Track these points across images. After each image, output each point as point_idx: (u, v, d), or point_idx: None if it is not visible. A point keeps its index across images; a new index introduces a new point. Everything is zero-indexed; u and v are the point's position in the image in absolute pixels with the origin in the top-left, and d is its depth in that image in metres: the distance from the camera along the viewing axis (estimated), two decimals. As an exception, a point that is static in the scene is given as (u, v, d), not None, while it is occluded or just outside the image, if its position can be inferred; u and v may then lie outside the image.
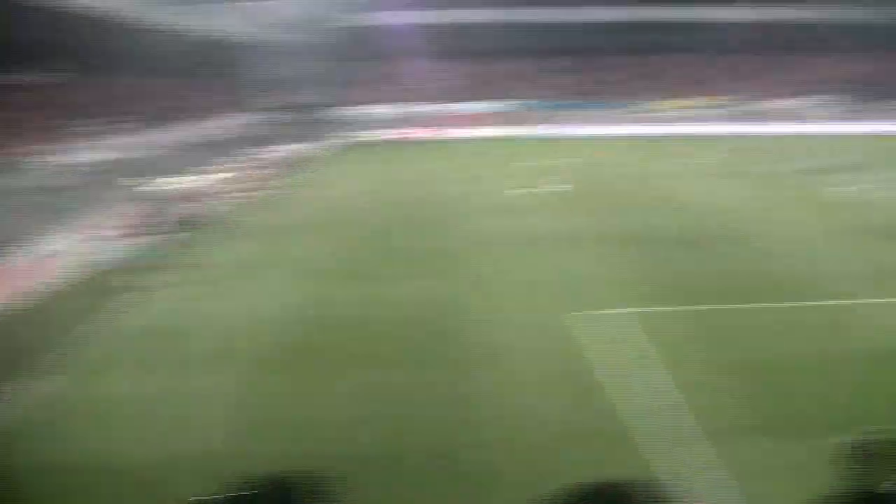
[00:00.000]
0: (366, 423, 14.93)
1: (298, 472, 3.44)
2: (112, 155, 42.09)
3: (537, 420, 15.09)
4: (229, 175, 43.63)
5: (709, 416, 15.18)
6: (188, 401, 16.03)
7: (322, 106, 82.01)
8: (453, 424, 14.96)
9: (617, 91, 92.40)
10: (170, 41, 57.31)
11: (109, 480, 12.93)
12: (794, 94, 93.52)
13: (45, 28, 42.53)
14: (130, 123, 48.19)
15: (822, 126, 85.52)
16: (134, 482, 12.88)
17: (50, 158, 37.02)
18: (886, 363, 18.02)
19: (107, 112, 46.48)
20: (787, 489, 12.54)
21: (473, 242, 31.99)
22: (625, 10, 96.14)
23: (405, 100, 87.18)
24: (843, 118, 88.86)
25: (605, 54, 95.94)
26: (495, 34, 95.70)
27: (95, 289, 24.84)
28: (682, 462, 13.32)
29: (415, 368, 17.92)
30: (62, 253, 26.65)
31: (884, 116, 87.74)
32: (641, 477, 4.77)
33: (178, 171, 38.99)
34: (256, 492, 3.33)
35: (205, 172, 41.35)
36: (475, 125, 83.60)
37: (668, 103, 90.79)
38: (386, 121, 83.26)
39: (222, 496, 3.33)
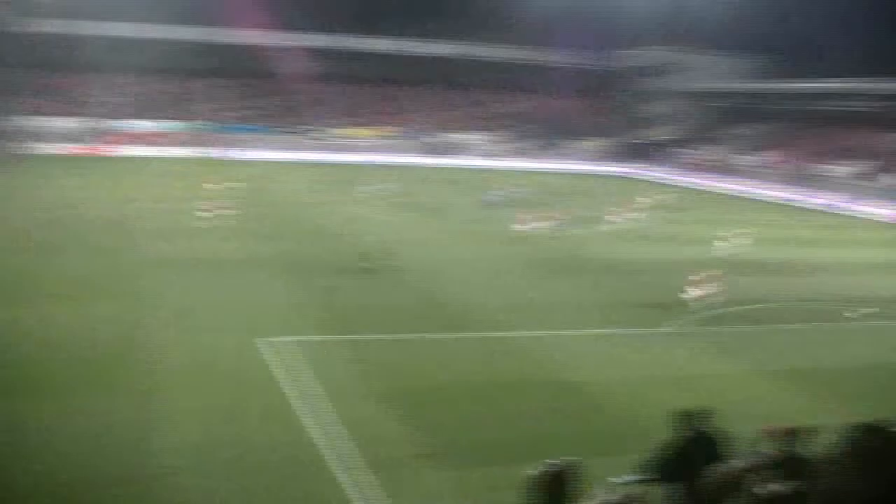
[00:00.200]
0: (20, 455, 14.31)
1: None
2: None
3: (180, 451, 14.96)
4: None
5: (372, 446, 15.72)
6: None
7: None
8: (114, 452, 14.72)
9: (293, 116, 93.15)
10: None
11: None
12: (470, 129, 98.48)
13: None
14: None
15: (495, 161, 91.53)
16: None
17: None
18: (541, 392, 19.53)
19: None
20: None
21: (135, 265, 31.01)
22: (319, 37, 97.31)
23: (79, 114, 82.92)
24: (516, 154, 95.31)
25: (290, 80, 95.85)
26: (181, 52, 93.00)
27: None
28: (347, 493, 13.83)
29: (76, 395, 17.37)
30: None
31: (555, 155, 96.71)
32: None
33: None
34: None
35: None
36: (148, 143, 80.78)
37: (348, 131, 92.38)
38: (51, 134, 77.93)
39: None
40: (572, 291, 31.58)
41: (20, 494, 13.07)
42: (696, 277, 29.86)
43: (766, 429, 8.12)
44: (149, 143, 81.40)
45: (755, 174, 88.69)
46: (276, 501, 13.68)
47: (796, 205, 73.13)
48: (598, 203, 59.37)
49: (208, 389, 18.42)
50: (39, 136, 76.74)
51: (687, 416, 9.24)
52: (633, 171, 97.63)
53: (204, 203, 43.87)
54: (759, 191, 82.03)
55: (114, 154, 78.26)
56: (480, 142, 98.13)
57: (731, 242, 42.16)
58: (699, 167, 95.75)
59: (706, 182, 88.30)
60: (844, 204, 74.01)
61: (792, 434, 7.85)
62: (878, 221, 67.31)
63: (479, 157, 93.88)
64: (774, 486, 4.03)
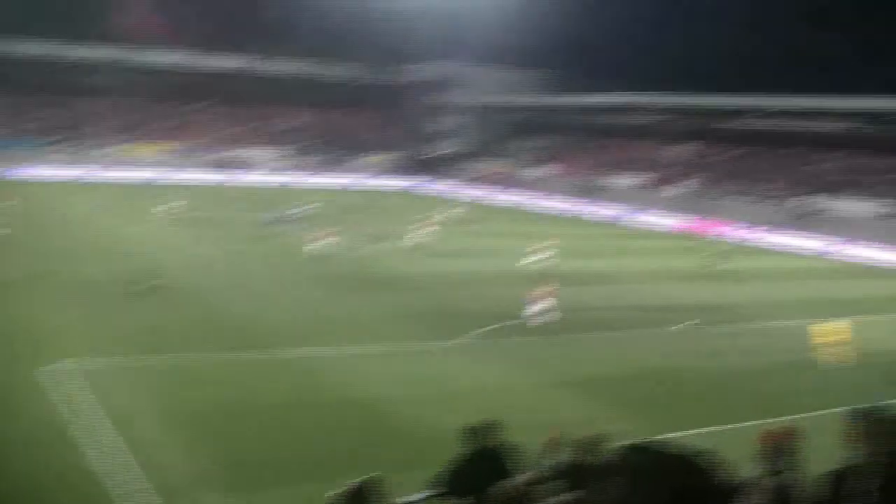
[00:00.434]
0: None
1: None
2: None
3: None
4: None
5: (159, 471, 15.21)
6: None
7: None
8: None
9: (72, 131, 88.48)
10: None
11: None
12: (256, 144, 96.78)
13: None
14: None
15: (283, 177, 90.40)
16: None
17: None
18: (334, 410, 19.38)
19: None
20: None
21: None
22: (99, 49, 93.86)
23: None
24: (304, 170, 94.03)
25: (69, 94, 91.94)
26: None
27: None
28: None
29: None
30: None
31: (343, 170, 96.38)
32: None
33: None
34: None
35: None
36: None
37: (130, 147, 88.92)
38: None
39: None
40: (363, 308, 31.52)
41: None
42: (536, 292, 30.40)
43: (552, 439, 8.45)
44: None
45: (542, 187, 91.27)
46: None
47: (584, 217, 75.64)
48: (389, 218, 59.93)
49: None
50: None
51: (476, 430, 9.14)
52: (421, 185, 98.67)
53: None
54: (547, 203, 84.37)
55: None
56: (268, 157, 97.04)
57: (527, 254, 42.94)
58: (486, 181, 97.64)
59: (494, 195, 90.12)
60: (630, 215, 77.17)
61: (578, 443, 8.08)
62: (662, 231, 70.55)
63: (267, 172, 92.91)
64: (558, 498, 4.13)
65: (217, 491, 14.96)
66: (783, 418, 18.59)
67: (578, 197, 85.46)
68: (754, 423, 17.97)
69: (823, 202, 70.57)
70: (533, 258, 42.29)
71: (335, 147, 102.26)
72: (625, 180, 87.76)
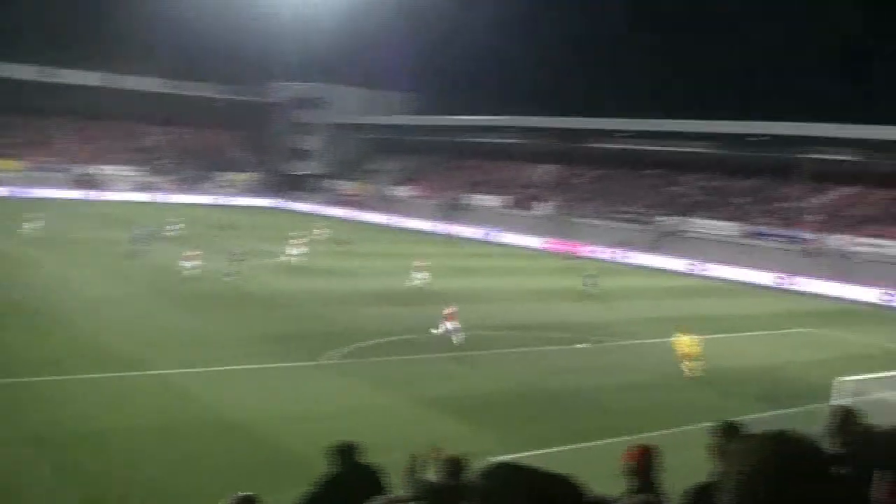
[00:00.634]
0: None
1: None
2: None
3: None
4: None
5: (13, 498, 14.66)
6: None
7: None
8: None
9: None
10: None
11: None
12: (121, 161, 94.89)
13: None
14: None
15: (147, 194, 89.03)
16: None
17: None
18: (198, 431, 19.09)
19: None
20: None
21: None
22: None
23: None
24: (168, 187, 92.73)
25: None
26: None
27: None
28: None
29: None
30: None
31: (207, 188, 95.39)
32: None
33: None
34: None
35: None
36: None
37: None
38: None
39: None
40: (229, 327, 31.15)
41: None
42: (449, 310, 30.76)
43: (417, 458, 8.46)
44: None
45: (405, 206, 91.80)
46: None
47: (447, 236, 76.09)
48: (255, 237, 59.39)
49: None
50: None
51: (341, 450, 8.98)
52: (285, 204, 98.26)
53: None
54: (411, 223, 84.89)
55: None
56: (131, 175, 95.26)
57: (411, 274, 43.31)
58: (350, 200, 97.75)
59: (358, 215, 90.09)
60: (493, 235, 78.20)
61: (441, 463, 8.06)
62: (526, 251, 71.78)
63: (130, 190, 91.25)
64: None
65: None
66: (648, 434, 19.02)
67: (441, 217, 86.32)
68: (618, 439, 18.30)
69: (684, 223, 73.14)
70: (417, 276, 42.72)
71: (199, 165, 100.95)
72: (487, 201, 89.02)
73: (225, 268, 41.02)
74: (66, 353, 25.30)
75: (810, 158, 70.76)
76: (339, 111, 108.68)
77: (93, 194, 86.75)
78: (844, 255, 61.80)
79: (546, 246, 73.85)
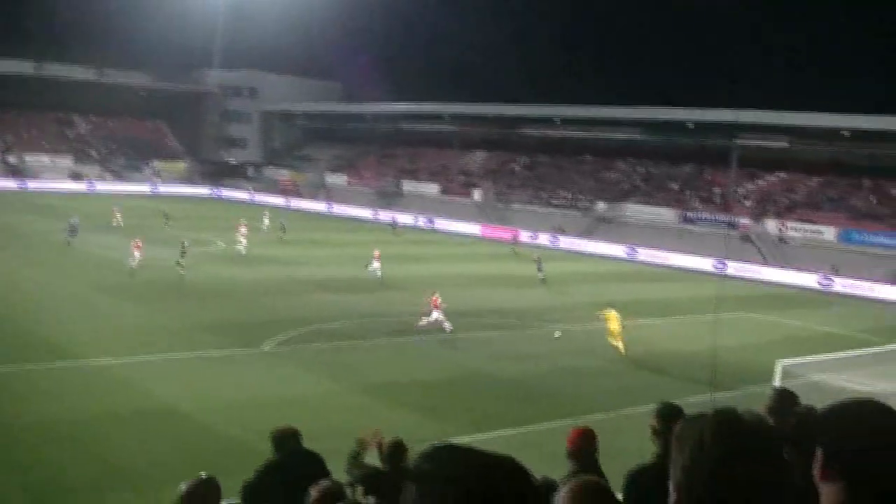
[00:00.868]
0: None
1: None
2: None
3: None
4: None
5: None
6: None
7: None
8: None
9: None
10: None
11: None
12: (51, 151, 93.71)
13: None
14: None
15: (80, 184, 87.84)
16: None
17: None
18: (141, 420, 18.98)
19: None
20: None
21: None
22: None
23: None
24: (102, 177, 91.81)
25: None
26: None
27: None
28: None
29: None
30: None
31: (141, 177, 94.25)
32: None
33: None
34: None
35: None
36: None
37: None
38: None
39: None
40: (170, 316, 30.87)
41: None
42: (433, 298, 31.03)
43: (363, 443, 8.57)
44: None
45: (344, 195, 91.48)
46: None
47: (395, 224, 75.57)
48: (195, 226, 58.48)
49: None
50: None
51: (286, 435, 8.89)
52: (220, 192, 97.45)
53: None
54: (351, 210, 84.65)
55: None
56: (61, 164, 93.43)
57: (369, 263, 43.21)
58: (287, 188, 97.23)
59: (297, 203, 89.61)
60: (430, 222, 78.22)
61: (383, 449, 8.25)
62: (468, 236, 72.03)
63: (61, 180, 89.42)
64: (372, 500, 4.36)
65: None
66: (591, 417, 19.18)
67: (378, 205, 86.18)
68: (561, 423, 18.43)
69: (620, 208, 73.89)
70: (374, 265, 42.73)
71: (130, 154, 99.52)
72: (423, 188, 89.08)
73: (175, 258, 40.47)
74: (2, 345, 24.88)
75: (744, 145, 71.89)
76: (270, 99, 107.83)
77: (23, 184, 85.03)
78: (780, 241, 63.03)
79: (484, 232, 74.11)
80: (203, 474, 5.77)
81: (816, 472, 2.29)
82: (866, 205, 64.40)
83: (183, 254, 39.96)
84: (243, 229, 49.82)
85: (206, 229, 54.51)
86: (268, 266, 45.12)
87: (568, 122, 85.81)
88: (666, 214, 70.83)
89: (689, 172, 78.20)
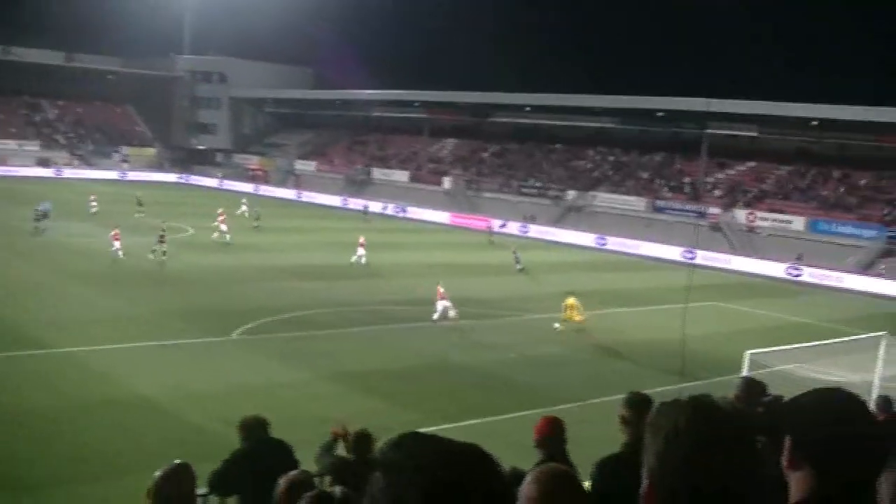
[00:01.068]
0: None
1: None
2: None
3: None
4: None
5: None
6: None
7: None
8: None
9: None
10: None
11: None
12: (19, 136, 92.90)
13: None
14: None
15: (49, 170, 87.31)
16: None
17: None
18: (108, 409, 18.81)
19: None
20: None
21: None
22: None
23: None
24: (72, 163, 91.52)
25: None
26: None
27: None
28: None
29: None
30: None
31: (110, 163, 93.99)
32: None
33: None
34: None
35: None
36: None
37: None
38: None
39: None
40: (141, 305, 30.76)
41: None
42: (439, 289, 31.37)
43: (336, 432, 8.61)
44: None
45: (314, 182, 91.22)
46: None
47: (367, 212, 75.26)
48: (162, 212, 57.45)
49: None
50: None
51: (255, 424, 8.96)
52: (190, 179, 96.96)
53: None
54: (321, 197, 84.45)
55: None
56: (30, 150, 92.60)
57: (355, 252, 43.40)
58: (257, 175, 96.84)
59: (267, 190, 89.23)
60: (404, 209, 78.17)
61: (351, 438, 8.32)
62: (439, 224, 72.14)
63: (30, 166, 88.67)
64: (339, 489, 4.21)
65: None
66: (561, 407, 19.25)
67: (348, 192, 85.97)
68: (531, 412, 18.47)
69: (590, 197, 74.09)
70: (359, 253, 43.02)
71: (99, 139, 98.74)
72: (393, 175, 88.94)
73: (153, 245, 40.25)
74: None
75: (713, 134, 72.27)
76: (240, 85, 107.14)
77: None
78: (749, 230, 63.52)
79: (454, 221, 74.12)
80: (178, 461, 5.78)
81: (784, 460, 2.31)
82: (835, 195, 65.00)
83: (161, 241, 39.78)
84: (221, 217, 49.58)
85: (175, 216, 54.04)
86: (242, 253, 45.04)
87: (538, 110, 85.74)
88: (636, 203, 71.11)
89: (659, 161, 78.55)
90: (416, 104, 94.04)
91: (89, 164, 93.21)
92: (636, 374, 25.63)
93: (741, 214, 65.24)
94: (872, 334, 24.06)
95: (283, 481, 5.73)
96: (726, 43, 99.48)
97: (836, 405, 2.30)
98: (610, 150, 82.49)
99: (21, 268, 36.04)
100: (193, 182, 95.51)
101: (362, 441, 8.21)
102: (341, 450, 8.62)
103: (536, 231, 68.98)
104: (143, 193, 63.95)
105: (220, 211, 50.73)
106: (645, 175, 76.67)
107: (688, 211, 67.02)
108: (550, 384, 24.23)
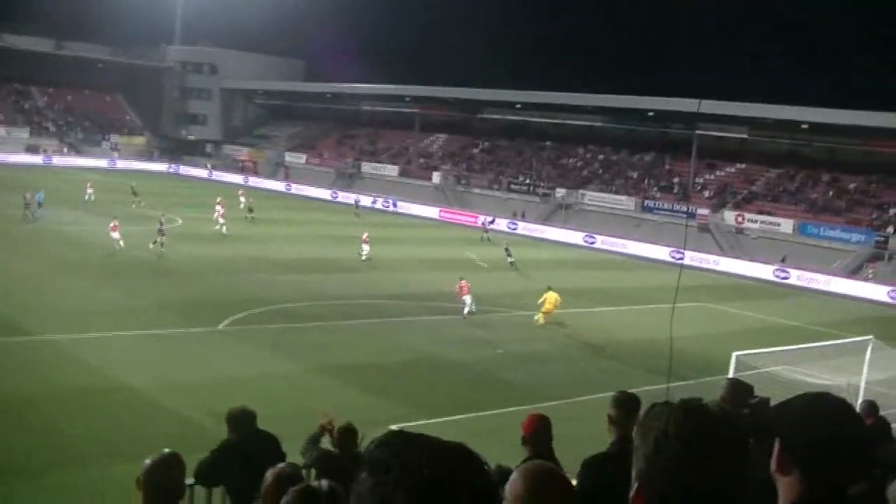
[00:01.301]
0: None
1: None
2: None
3: None
4: None
5: None
6: None
7: None
8: None
9: None
10: None
11: None
12: (8, 123, 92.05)
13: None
14: None
15: (38, 157, 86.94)
16: None
17: None
18: (95, 397, 18.82)
19: None
20: None
21: None
22: None
23: None
24: (60, 151, 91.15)
25: None
26: None
27: None
28: None
29: None
30: None
31: (100, 152, 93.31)
32: None
33: None
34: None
35: None
36: None
37: None
38: None
39: None
40: (126, 294, 30.73)
41: None
42: (463, 283, 32.19)
43: (323, 426, 8.49)
44: None
45: (303, 174, 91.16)
46: None
47: (358, 206, 75.14)
48: (152, 202, 57.73)
49: None
50: None
51: (242, 416, 8.89)
52: (179, 169, 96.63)
53: None
54: (310, 190, 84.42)
55: None
56: (19, 137, 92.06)
57: (361, 247, 43.67)
58: (247, 166, 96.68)
59: (257, 181, 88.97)
60: (394, 203, 78.21)
61: (341, 431, 8.25)
62: (428, 219, 72.22)
63: (19, 153, 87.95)
64: (325, 482, 4.15)
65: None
66: (548, 404, 19.26)
67: (338, 185, 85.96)
68: (518, 408, 18.49)
69: (580, 195, 74.10)
70: (364, 248, 43.37)
71: (88, 128, 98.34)
72: (383, 170, 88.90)
73: (154, 237, 40.13)
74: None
75: (704, 135, 72.34)
76: (230, 76, 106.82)
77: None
78: (738, 232, 63.68)
79: (443, 216, 74.10)
80: (167, 450, 5.67)
81: (774, 464, 2.31)
82: (824, 198, 65.20)
83: (161, 232, 39.71)
84: (220, 208, 49.50)
85: (165, 206, 53.78)
86: (237, 245, 45.04)
87: (529, 107, 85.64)
88: (625, 202, 71.19)
89: (649, 161, 78.64)
90: (407, 99, 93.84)
91: (78, 152, 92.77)
92: (623, 372, 25.69)
93: (730, 216, 65.38)
94: (859, 338, 24.17)
95: (270, 474, 5.71)
96: (718, 44, 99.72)
97: (826, 409, 2.31)
98: (600, 148, 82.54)
99: (10, 256, 35.84)
100: (183, 172, 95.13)
101: (346, 435, 8.19)
102: (328, 443, 8.59)
103: (525, 228, 69.04)
104: (133, 183, 63.73)
105: (218, 200, 50.66)
106: (634, 174, 76.74)
107: (677, 211, 67.12)
108: (538, 381, 24.29)
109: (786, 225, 62.22)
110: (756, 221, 63.87)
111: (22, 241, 39.74)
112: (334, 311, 30.83)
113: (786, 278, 54.81)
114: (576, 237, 65.50)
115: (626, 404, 5.85)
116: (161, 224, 40.44)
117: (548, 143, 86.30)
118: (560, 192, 75.19)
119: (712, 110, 66.69)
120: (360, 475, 1.64)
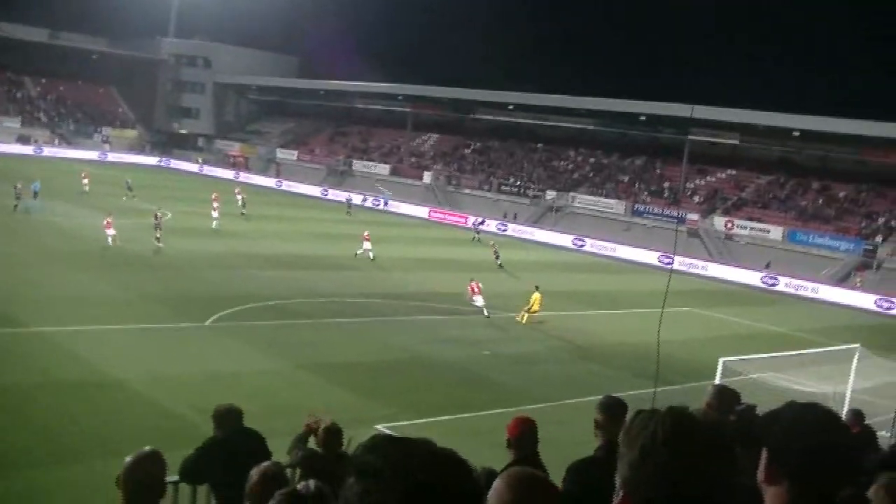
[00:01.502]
0: None
1: None
2: None
3: None
4: None
5: None
6: None
7: None
8: None
9: None
10: None
11: None
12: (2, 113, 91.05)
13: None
14: None
15: (31, 148, 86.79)
16: None
17: None
18: (82, 391, 18.73)
19: None
20: None
21: None
22: None
23: None
24: (53, 142, 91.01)
25: None
26: None
27: None
28: None
29: None
30: None
31: (92, 144, 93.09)
32: None
33: None
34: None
35: None
36: None
37: None
38: None
39: None
40: (117, 287, 30.57)
41: None
42: (475, 284, 32.77)
43: (309, 425, 8.49)
44: None
45: (294, 171, 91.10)
46: None
47: (350, 203, 75.06)
48: (144, 196, 57.54)
49: None
50: None
51: (229, 413, 8.83)
52: (170, 163, 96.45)
53: None
54: (301, 187, 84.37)
55: None
56: (11, 126, 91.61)
57: (361, 245, 43.68)
58: (238, 162, 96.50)
59: (247, 177, 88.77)
60: (384, 202, 78.08)
61: (326, 431, 8.22)
62: (418, 219, 72.11)
63: (10, 143, 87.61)
64: (312, 483, 4.18)
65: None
66: (534, 406, 19.28)
67: (329, 183, 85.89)
68: (505, 410, 18.50)
69: (570, 198, 74.17)
70: (366, 247, 43.30)
71: (80, 119, 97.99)
72: (374, 168, 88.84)
73: (154, 232, 40.04)
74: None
75: (695, 140, 72.46)
76: (224, 71, 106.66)
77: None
78: (727, 238, 63.82)
79: (433, 216, 74.09)
80: (148, 447, 5.69)
81: (761, 473, 2.31)
82: (814, 206, 65.41)
83: (157, 226, 39.60)
84: (216, 203, 49.41)
85: (156, 200, 53.64)
86: (229, 240, 45.03)
87: (521, 108, 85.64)
88: (615, 206, 71.26)
89: (639, 165, 78.79)
90: (400, 97, 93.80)
91: (70, 144, 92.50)
92: (610, 376, 25.71)
93: (720, 221, 65.55)
94: (846, 346, 24.24)
95: (255, 472, 5.69)
96: (711, 50, 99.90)
97: (814, 420, 2.31)
98: (591, 151, 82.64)
99: (3, 246, 35.69)
100: (174, 166, 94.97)
101: (331, 435, 8.18)
102: (314, 443, 8.54)
103: (514, 230, 69.07)
104: (123, 176, 63.56)
105: (214, 195, 50.53)
106: (625, 178, 76.86)
107: (666, 216, 67.22)
108: (525, 383, 24.28)
109: (775, 232, 62.39)
110: (745, 228, 64.06)
111: (16, 232, 39.59)
112: (325, 308, 30.77)
113: (774, 285, 54.95)
114: (565, 240, 65.54)
115: (612, 409, 5.85)
116: (157, 218, 40.33)
117: (539, 144, 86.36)
118: (550, 194, 75.24)
119: (705, 116, 66.85)
120: (349, 480, 1.64)
